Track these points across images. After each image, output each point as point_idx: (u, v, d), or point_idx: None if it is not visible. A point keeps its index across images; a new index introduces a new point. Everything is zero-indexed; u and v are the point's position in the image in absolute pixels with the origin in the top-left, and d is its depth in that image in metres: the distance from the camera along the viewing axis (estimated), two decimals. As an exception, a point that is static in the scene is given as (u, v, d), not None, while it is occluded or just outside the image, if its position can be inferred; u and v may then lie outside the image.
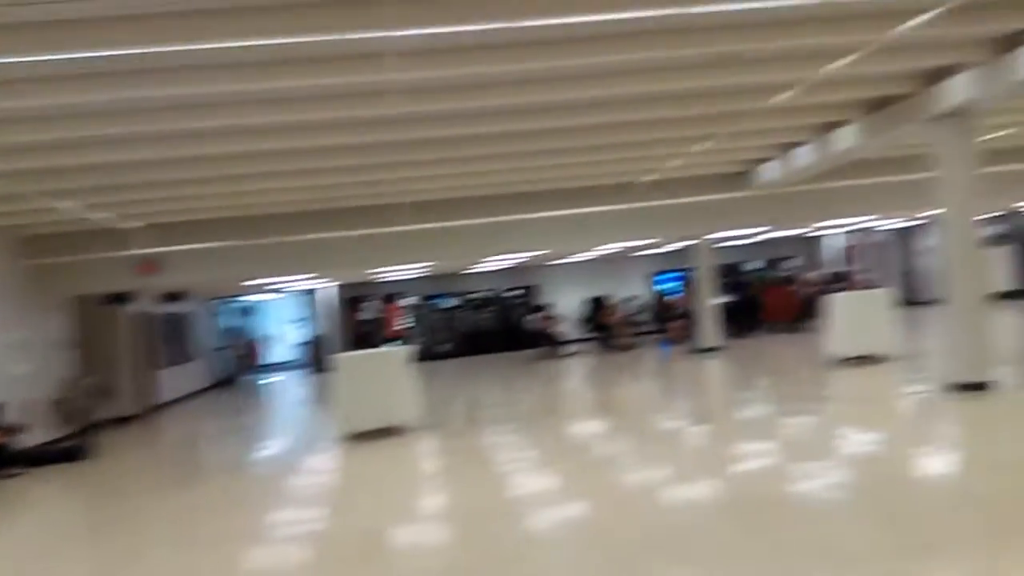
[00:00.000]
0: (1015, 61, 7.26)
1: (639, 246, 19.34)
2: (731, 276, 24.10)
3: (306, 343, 25.24)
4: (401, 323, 23.84)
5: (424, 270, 20.35)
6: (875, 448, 7.44)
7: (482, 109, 8.15)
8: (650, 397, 13.31)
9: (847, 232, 24.19)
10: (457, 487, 7.49)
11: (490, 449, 9.19)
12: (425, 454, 9.47)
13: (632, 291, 23.61)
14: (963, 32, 7.30)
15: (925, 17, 6.34)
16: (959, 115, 8.54)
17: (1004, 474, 5.85)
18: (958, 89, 8.21)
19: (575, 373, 17.22)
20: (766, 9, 6.30)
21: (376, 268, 16.84)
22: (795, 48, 7.32)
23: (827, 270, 24.43)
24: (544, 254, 19.00)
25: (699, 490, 6.44)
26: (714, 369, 15.08)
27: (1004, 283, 21.23)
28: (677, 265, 22.30)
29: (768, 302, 20.87)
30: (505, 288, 24.32)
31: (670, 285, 23.42)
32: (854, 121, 10.14)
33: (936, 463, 6.81)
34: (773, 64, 7.63)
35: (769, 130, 10.89)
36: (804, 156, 11.72)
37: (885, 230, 24.11)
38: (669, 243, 19.02)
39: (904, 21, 6.50)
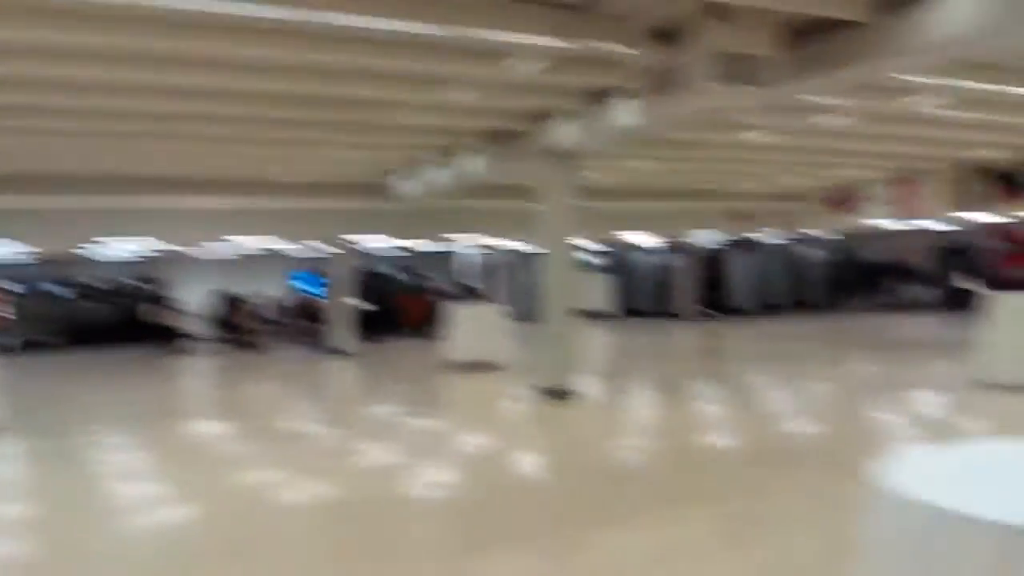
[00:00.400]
0: (604, 113, 8.43)
1: (279, 246, 19.13)
2: (374, 282, 24.85)
3: None
4: (4, 310, 20.90)
5: (27, 254, 18.13)
6: (470, 447, 8.19)
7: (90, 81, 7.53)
8: (269, 398, 13.18)
9: (480, 249, 26.14)
10: (43, 495, 6.82)
11: (86, 451, 8.47)
12: None
13: (273, 291, 23.20)
14: (561, 80, 8.30)
15: (523, 64, 7.10)
16: (560, 154, 9.75)
17: (571, 473, 6.80)
18: (558, 131, 9.37)
19: (197, 371, 16.47)
20: (389, 31, 6.59)
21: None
22: (411, 71, 7.72)
23: (459, 283, 26.14)
24: (175, 246, 18.01)
25: (302, 492, 6.56)
26: (342, 371, 15.38)
27: (600, 304, 24.59)
28: (321, 267, 22.39)
29: (404, 309, 21.81)
30: (132, 279, 22.48)
31: (311, 286, 23.41)
32: (479, 148, 11.08)
33: (520, 461, 7.68)
34: (391, 83, 8.01)
35: (403, 145, 11.50)
36: (436, 175, 12.52)
37: (512, 251, 26.50)
38: (306, 244, 19.07)
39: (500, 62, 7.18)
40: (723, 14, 5.49)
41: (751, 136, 10.22)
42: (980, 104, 9.56)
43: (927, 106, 8.74)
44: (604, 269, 26.37)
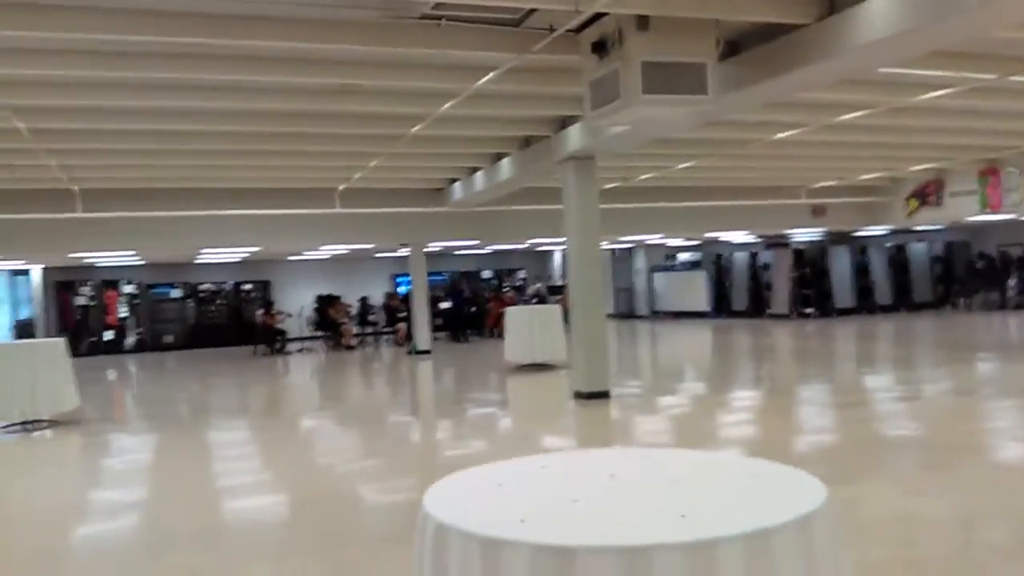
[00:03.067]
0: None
1: (378, 248, 20.07)
2: (469, 283, 25.59)
3: (15, 326, 23.58)
4: (121, 311, 22.97)
5: (140, 258, 19.89)
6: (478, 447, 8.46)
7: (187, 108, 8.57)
8: (338, 394, 13.92)
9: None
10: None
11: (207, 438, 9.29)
12: None
13: (373, 291, 24.30)
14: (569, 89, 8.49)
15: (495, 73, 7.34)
16: (580, 158, 9.88)
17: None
18: (574, 137, 9.52)
19: (286, 369, 17.54)
20: (387, 52, 7.10)
21: (75, 252, 16.26)
22: (417, 88, 8.18)
23: (548, 284, 26.40)
24: (275, 250, 19.31)
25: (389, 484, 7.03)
26: (418, 369, 16.00)
27: (698, 304, 24.46)
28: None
29: (491, 310, 22.29)
30: (236, 281, 24.11)
31: (406, 288, 24.36)
32: (510, 155, 11.41)
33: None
34: (407, 98, 8.50)
35: (447, 154, 11.98)
36: (479, 181, 12.90)
37: (607, 248, 26.52)
38: (394, 249, 19.90)
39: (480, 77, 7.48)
40: (652, 24, 5.53)
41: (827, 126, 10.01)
42: None
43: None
44: (701, 268, 26.00)
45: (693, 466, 2.28)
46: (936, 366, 12.93)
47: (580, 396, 9.99)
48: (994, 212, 15.33)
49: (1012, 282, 21.49)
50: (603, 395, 9.99)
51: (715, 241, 25.41)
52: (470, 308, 22.37)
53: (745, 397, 10.63)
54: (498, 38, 6.41)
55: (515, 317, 13.92)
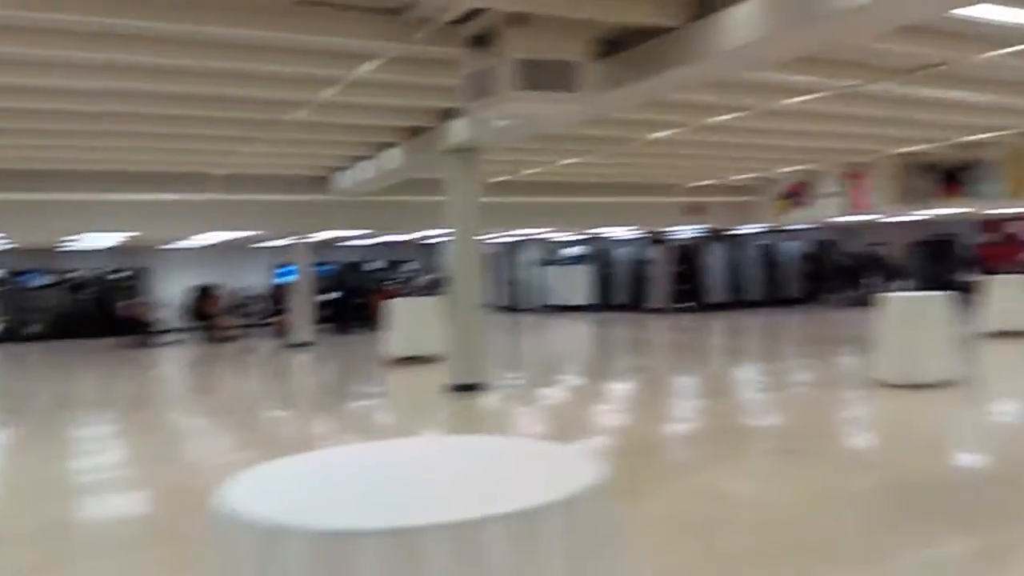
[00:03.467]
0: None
1: (257, 237, 19.48)
2: (348, 274, 25.17)
3: None
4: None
5: (7, 242, 18.66)
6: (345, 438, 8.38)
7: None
8: (207, 387, 13.50)
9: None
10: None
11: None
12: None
13: (255, 282, 23.59)
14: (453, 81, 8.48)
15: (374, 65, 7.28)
16: (463, 150, 9.89)
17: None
18: (458, 129, 9.51)
19: (156, 363, 16.86)
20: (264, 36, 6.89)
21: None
22: (296, 74, 7.99)
23: (436, 276, 26.32)
24: (153, 237, 18.49)
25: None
26: (295, 363, 15.66)
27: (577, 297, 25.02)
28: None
29: (376, 302, 22.03)
30: (108, 270, 22.97)
31: (290, 278, 23.75)
32: (399, 144, 11.28)
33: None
34: (286, 83, 8.28)
35: (333, 142, 11.74)
36: (367, 170, 12.72)
37: (494, 242, 26.63)
38: (279, 238, 19.38)
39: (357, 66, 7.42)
40: (529, 21, 5.60)
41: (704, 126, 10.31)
42: (921, 104, 9.69)
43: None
44: (582, 263, 26.52)
45: (489, 452, 2.35)
46: (792, 359, 13.72)
47: (456, 388, 10.02)
48: (858, 213, 16.28)
49: (868, 279, 22.83)
50: (480, 387, 10.05)
51: (603, 237, 25.95)
52: (356, 300, 22.06)
53: (618, 388, 10.95)
54: (380, 26, 6.32)
55: (397, 309, 13.83)
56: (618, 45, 6.71)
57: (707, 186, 17.34)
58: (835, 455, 6.66)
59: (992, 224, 22.11)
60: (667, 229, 22.92)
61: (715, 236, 24.63)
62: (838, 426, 8.03)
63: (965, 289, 14.72)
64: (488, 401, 9.80)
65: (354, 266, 25.99)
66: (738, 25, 5.36)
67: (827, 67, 7.96)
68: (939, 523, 4.72)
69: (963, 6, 5.15)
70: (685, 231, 23.75)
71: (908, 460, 6.28)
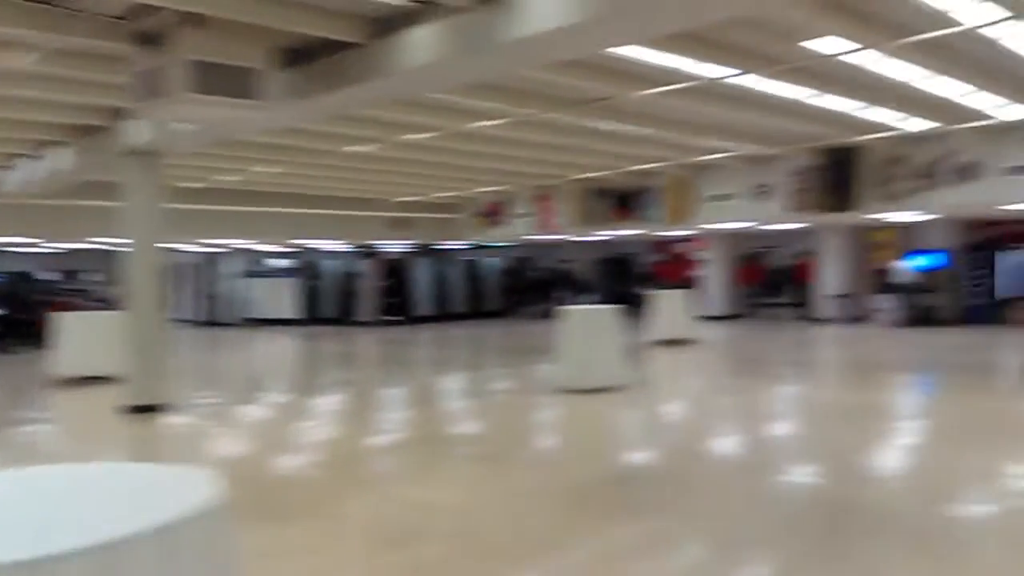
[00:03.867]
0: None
1: None
2: (21, 285, 22.31)
3: None
4: None
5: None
6: None
7: None
8: None
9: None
10: None
11: None
12: None
13: None
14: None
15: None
16: (143, 153, 9.20)
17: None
18: (136, 130, 8.84)
19: None
20: None
21: None
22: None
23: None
24: None
25: None
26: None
27: (285, 311, 24.28)
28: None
29: (45, 317, 19.73)
30: None
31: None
32: (70, 144, 10.24)
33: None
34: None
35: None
36: (35, 171, 11.40)
37: (192, 253, 25.07)
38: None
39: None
40: (206, 23, 5.36)
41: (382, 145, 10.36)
42: (596, 135, 10.54)
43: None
44: (289, 275, 25.82)
45: (78, 481, 2.16)
46: (489, 368, 14.44)
47: (135, 410, 9.26)
48: (547, 232, 17.53)
49: (559, 294, 24.68)
50: (162, 408, 9.38)
51: (312, 249, 25.43)
52: (22, 315, 19.56)
53: (323, 403, 10.78)
54: (38, 16, 5.67)
55: (67, 325, 12.48)
56: (306, 56, 6.64)
57: (413, 202, 17.71)
58: (523, 458, 7.08)
59: (662, 244, 24.91)
60: (376, 243, 23.04)
61: (423, 251, 25.19)
62: (526, 431, 8.55)
63: (640, 303, 16.32)
64: (172, 422, 9.15)
65: (23, 276, 23.08)
66: (416, 47, 5.54)
67: (508, 95, 8.50)
68: (610, 515, 5.19)
69: (614, 46, 5.75)
70: (394, 245, 24.03)
71: (584, 459, 6.86)
